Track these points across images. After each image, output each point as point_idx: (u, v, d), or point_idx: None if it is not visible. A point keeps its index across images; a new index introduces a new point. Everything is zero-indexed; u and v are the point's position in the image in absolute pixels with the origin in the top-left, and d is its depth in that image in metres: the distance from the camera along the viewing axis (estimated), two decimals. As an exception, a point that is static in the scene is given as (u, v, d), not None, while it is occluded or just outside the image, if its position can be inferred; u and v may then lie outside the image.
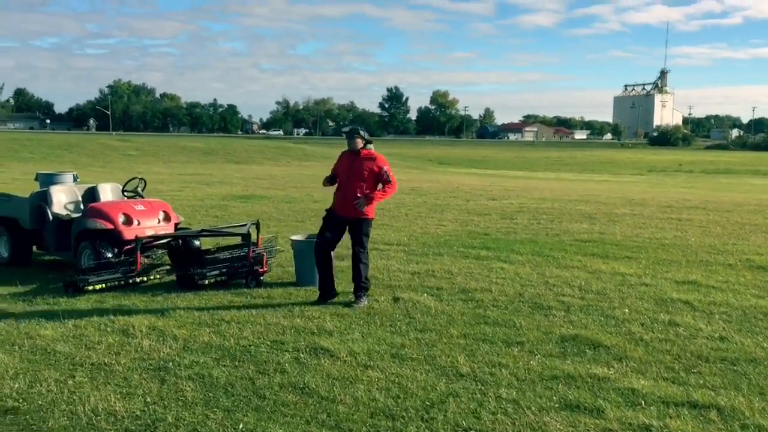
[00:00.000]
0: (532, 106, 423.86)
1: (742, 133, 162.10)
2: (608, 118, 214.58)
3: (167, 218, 9.14)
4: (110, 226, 8.50)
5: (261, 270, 8.16)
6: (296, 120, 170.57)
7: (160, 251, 9.33)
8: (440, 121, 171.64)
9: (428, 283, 8.21)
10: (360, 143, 7.46)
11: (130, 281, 8.13)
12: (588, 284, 8.12)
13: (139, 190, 9.87)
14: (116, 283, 8.02)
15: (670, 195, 22.28)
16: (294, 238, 8.44)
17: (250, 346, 5.93)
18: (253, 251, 8.27)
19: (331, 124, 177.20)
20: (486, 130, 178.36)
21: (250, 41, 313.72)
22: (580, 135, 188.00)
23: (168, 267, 8.69)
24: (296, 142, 76.85)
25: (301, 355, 5.66)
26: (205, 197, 18.71)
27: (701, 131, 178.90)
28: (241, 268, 8.25)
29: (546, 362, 5.45)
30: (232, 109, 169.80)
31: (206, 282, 8.02)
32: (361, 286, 7.37)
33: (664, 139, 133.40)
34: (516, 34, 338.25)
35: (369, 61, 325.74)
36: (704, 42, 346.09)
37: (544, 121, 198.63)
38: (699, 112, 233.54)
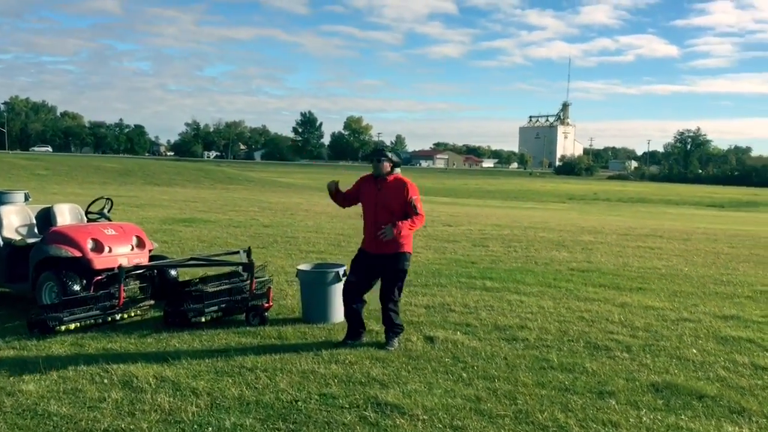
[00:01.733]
0: (441, 135, 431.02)
1: (639, 165, 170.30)
2: (514, 147, 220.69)
3: (141, 244, 7.93)
4: (78, 254, 7.24)
5: (266, 305, 7.06)
6: (207, 142, 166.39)
7: (132, 283, 8.07)
8: (354, 147, 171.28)
9: (452, 319, 7.34)
10: (388, 167, 6.45)
11: (109, 319, 6.88)
12: (628, 320, 7.45)
13: (106, 211, 8.58)
14: (92, 321, 6.76)
15: (613, 223, 22.32)
16: (301, 267, 7.40)
17: (295, 401, 4.88)
18: (256, 283, 7.18)
19: (242, 147, 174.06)
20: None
21: (156, 61, 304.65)
22: (488, 163, 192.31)
23: (152, 302, 7.45)
24: (215, 164, 74.47)
25: (367, 413, 4.66)
26: (143, 220, 17.13)
27: (600, 162, 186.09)
28: (240, 302, 7.13)
29: (659, 418, 4.67)
30: (139, 129, 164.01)
31: (202, 320, 6.86)
32: (393, 331, 6.40)
33: (569, 168, 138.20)
34: (424, 63, 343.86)
35: (279, 86, 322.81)
36: (600, 78, 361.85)
37: (455, 149, 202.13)
38: (597, 144, 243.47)
